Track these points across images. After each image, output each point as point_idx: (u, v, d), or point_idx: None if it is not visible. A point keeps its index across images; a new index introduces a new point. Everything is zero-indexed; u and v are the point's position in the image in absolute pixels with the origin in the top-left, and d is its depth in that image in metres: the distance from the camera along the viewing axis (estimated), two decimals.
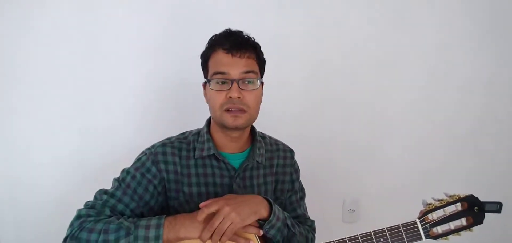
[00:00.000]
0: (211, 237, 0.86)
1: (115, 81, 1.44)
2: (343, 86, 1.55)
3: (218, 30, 1.01)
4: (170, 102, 1.48)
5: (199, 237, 0.87)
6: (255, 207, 0.92)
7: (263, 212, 0.93)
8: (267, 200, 0.96)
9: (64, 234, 0.89)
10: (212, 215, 0.87)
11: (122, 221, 0.87)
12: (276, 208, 0.96)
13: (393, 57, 1.55)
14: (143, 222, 0.87)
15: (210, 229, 0.86)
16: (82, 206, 0.93)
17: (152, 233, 0.85)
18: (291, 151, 1.14)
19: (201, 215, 0.86)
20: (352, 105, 1.56)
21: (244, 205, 0.90)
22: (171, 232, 0.86)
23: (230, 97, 0.93)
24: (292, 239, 1.00)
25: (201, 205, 0.90)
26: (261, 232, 0.92)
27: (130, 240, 0.84)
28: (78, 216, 0.89)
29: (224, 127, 0.97)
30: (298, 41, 1.50)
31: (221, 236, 0.86)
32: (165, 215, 0.89)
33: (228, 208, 0.86)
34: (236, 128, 0.96)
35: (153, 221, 0.87)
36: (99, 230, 0.85)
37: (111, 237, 0.84)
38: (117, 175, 0.99)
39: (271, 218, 0.93)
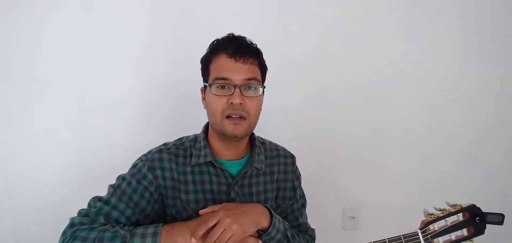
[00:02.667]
0: None
1: (115, 84, 1.43)
2: (345, 94, 1.54)
3: (220, 35, 0.99)
4: (171, 106, 1.47)
5: None
6: (257, 218, 0.90)
7: (264, 223, 0.91)
8: (268, 210, 0.94)
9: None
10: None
11: (118, 229, 0.84)
12: (277, 219, 0.94)
13: (394, 66, 1.54)
14: (139, 230, 0.85)
15: (210, 241, 0.83)
16: (77, 212, 0.90)
17: (148, 241, 0.83)
18: (292, 157, 1.11)
19: (200, 231, 0.84)
20: (353, 113, 1.56)
21: (246, 215, 0.88)
22: (168, 241, 0.84)
23: (232, 103, 0.90)
24: None
25: (200, 212, 0.89)
26: None
27: None
28: (71, 224, 0.86)
29: (223, 134, 0.94)
30: (300, 49, 1.50)
31: None
32: (162, 224, 0.87)
33: (229, 220, 0.85)
34: (235, 137, 0.93)
35: (150, 229, 0.85)
36: (93, 239, 0.82)
37: None
38: (117, 176, 0.97)
39: (270, 230, 0.91)
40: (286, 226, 0.98)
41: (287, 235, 0.97)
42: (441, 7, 1.53)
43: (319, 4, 1.49)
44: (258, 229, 0.91)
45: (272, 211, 0.94)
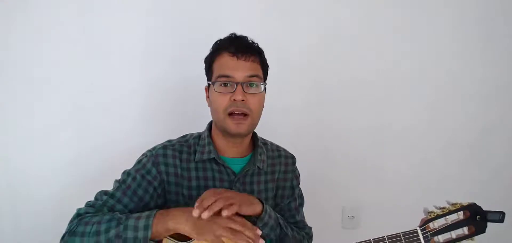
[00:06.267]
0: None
1: (115, 83, 1.44)
2: (344, 94, 1.54)
3: (220, 34, 1.01)
4: (171, 105, 1.47)
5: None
6: (249, 200, 0.93)
7: (257, 208, 0.94)
8: (259, 199, 0.97)
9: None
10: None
11: (116, 214, 0.89)
12: (267, 206, 0.97)
13: (394, 66, 1.54)
14: (135, 214, 0.89)
15: (200, 203, 0.84)
16: (85, 203, 0.94)
17: (142, 223, 0.86)
18: (293, 158, 1.14)
19: (196, 211, 0.83)
20: (353, 113, 1.56)
21: (242, 197, 0.92)
22: (160, 223, 0.87)
23: (234, 100, 0.93)
24: (284, 239, 1.01)
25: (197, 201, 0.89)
26: (260, 232, 0.90)
27: (120, 229, 0.86)
28: (78, 214, 0.92)
29: (226, 132, 0.97)
30: (300, 49, 1.50)
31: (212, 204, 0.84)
32: (157, 209, 0.90)
33: (228, 194, 0.89)
34: (239, 134, 0.96)
35: (145, 213, 0.89)
36: (93, 222, 0.87)
37: (103, 227, 0.86)
38: (118, 177, 0.99)
39: (263, 215, 0.94)
40: (277, 215, 1.01)
41: (279, 222, 1.00)
42: (441, 7, 1.53)
43: (319, 4, 1.49)
44: (252, 216, 0.93)
45: (263, 200, 0.97)
